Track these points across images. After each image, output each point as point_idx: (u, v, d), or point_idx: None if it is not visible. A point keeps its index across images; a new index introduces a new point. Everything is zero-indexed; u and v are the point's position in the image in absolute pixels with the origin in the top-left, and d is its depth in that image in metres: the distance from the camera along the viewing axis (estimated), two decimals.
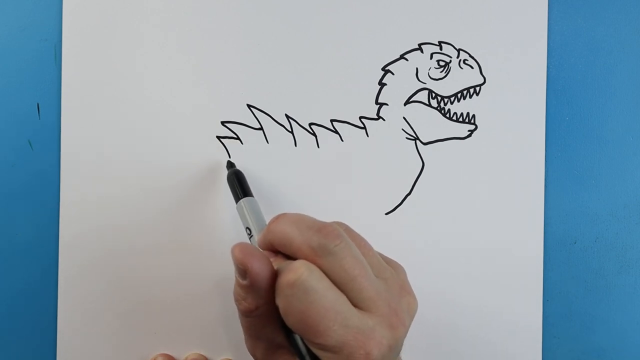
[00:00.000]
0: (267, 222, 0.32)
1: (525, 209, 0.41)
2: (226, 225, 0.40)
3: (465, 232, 0.41)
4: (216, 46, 0.40)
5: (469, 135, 0.41)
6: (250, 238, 0.34)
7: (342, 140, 0.41)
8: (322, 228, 0.27)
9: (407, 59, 0.41)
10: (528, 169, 0.41)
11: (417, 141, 0.41)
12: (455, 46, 0.41)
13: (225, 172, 0.39)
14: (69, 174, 0.40)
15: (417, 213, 0.41)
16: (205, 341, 0.40)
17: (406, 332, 0.28)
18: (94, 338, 0.40)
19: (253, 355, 0.30)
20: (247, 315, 0.28)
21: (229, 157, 0.40)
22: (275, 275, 0.27)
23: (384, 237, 0.41)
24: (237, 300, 0.28)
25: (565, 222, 0.42)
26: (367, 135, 0.41)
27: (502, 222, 0.41)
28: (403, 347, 0.28)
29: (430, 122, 0.41)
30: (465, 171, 0.41)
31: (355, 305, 0.26)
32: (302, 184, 0.40)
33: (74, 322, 0.40)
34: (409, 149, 0.41)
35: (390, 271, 0.29)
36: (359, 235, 0.30)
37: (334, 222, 0.30)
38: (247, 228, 0.35)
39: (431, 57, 0.41)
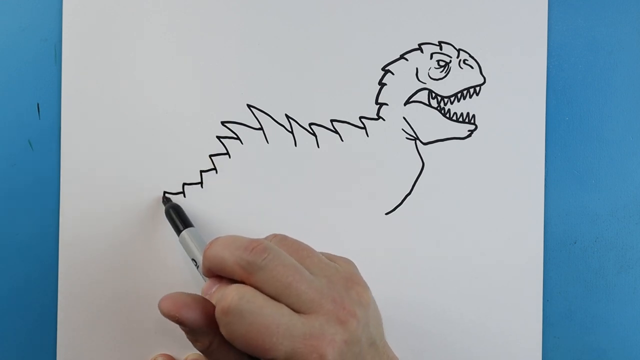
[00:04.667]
0: None
1: (525, 209, 0.41)
2: (228, 224, 0.40)
3: (465, 232, 0.41)
4: (216, 46, 0.40)
5: (469, 135, 0.41)
6: (198, 268, 0.35)
7: (342, 140, 0.41)
8: (248, 246, 0.27)
9: (407, 59, 0.41)
10: (528, 169, 0.41)
11: (417, 141, 0.41)
12: (455, 46, 0.41)
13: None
14: (69, 174, 0.40)
15: (417, 213, 0.41)
16: None
17: (363, 323, 0.28)
18: (94, 338, 0.40)
19: None
20: (206, 352, 0.28)
21: (229, 157, 0.40)
22: (213, 308, 0.27)
23: (384, 237, 0.41)
24: (191, 342, 0.29)
25: (565, 222, 0.42)
26: (367, 135, 0.41)
27: (502, 221, 0.41)
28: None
29: (430, 122, 0.41)
30: (465, 171, 0.41)
31: (298, 311, 0.26)
32: (302, 184, 0.40)
33: (74, 321, 0.40)
34: (409, 149, 0.41)
35: (334, 267, 0.29)
36: (296, 241, 0.30)
37: (270, 235, 0.30)
38: (193, 260, 0.35)
39: (431, 57, 0.41)
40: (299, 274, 0.27)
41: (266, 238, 0.30)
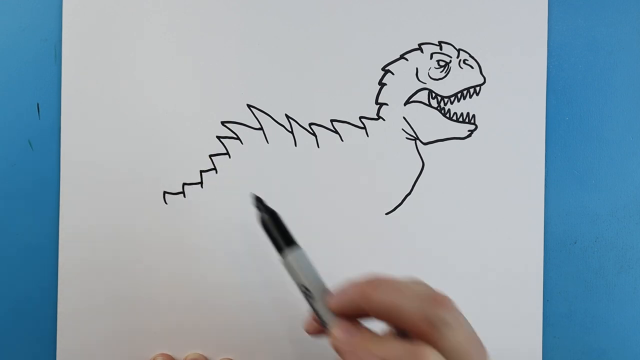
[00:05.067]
0: (319, 276, 0.31)
1: (525, 209, 0.41)
2: (229, 224, 0.40)
3: (465, 232, 0.41)
4: (216, 46, 0.40)
5: (469, 135, 0.41)
6: (309, 299, 0.30)
7: (342, 140, 0.41)
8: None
9: (407, 59, 0.41)
10: (528, 169, 0.41)
11: (417, 141, 0.41)
12: (455, 46, 0.41)
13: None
14: (69, 174, 0.40)
15: (417, 213, 0.41)
16: (205, 341, 0.40)
17: None
18: (94, 338, 0.40)
19: None
20: None
21: (229, 157, 0.40)
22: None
23: (384, 237, 0.41)
24: None
25: (565, 222, 0.42)
26: (367, 135, 0.41)
27: (502, 222, 0.41)
28: None
29: (430, 122, 0.41)
30: (465, 171, 0.41)
31: None
32: (302, 184, 0.40)
33: (74, 322, 0.40)
34: (409, 149, 0.41)
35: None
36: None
37: (363, 276, 0.28)
38: (303, 286, 0.30)
39: (431, 57, 0.41)
40: (477, 338, 0.26)
41: (358, 279, 0.28)
